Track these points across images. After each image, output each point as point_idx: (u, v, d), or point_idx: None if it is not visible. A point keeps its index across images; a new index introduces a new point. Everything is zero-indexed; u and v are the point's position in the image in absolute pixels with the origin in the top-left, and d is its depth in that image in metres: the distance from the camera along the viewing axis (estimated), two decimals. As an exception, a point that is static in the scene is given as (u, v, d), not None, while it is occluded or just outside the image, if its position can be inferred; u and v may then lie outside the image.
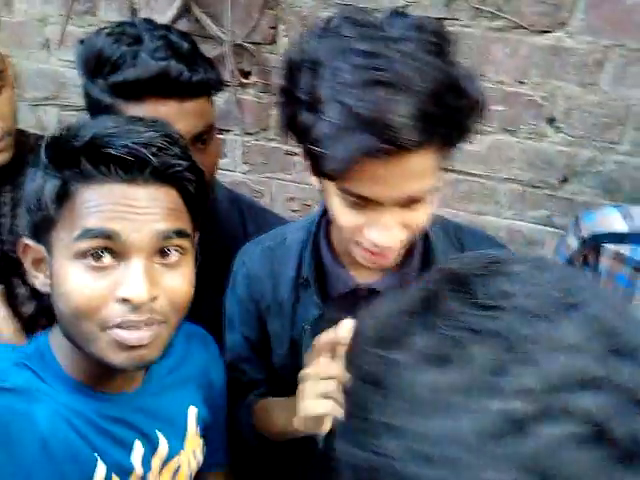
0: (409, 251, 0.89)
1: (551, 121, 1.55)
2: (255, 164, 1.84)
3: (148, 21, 1.00)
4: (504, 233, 1.68)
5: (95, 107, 0.96)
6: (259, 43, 1.67)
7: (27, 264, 0.71)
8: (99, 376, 0.73)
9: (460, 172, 1.67)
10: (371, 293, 0.90)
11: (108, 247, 0.64)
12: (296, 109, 0.73)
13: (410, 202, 0.74)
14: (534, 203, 1.65)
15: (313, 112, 0.70)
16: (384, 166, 0.69)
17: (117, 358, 0.67)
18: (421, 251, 0.91)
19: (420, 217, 0.77)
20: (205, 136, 0.99)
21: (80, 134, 0.65)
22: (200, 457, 0.89)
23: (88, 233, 0.64)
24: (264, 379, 1.04)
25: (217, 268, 1.10)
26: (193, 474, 0.88)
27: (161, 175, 0.67)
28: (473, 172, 1.66)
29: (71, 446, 0.69)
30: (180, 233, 0.69)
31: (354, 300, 0.91)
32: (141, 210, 0.65)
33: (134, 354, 0.67)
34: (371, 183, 0.71)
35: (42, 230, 0.67)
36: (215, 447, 0.98)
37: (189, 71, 0.92)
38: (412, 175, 0.71)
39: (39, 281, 0.71)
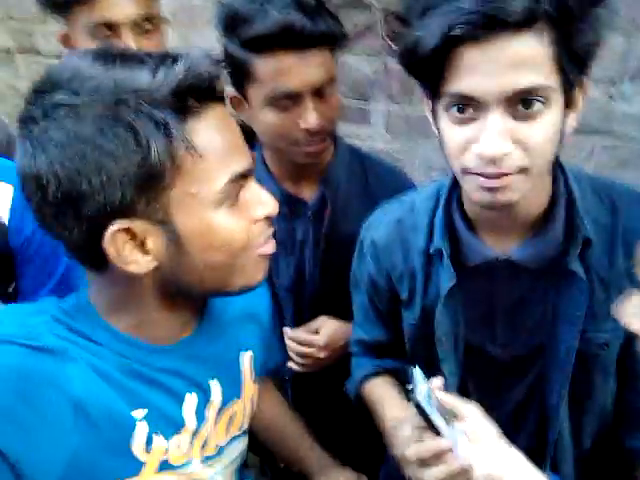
0: (549, 214, 0.82)
1: None
2: (397, 133, 1.88)
3: None
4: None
5: (231, 63, 1.03)
6: (411, 12, 1.72)
7: (116, 252, 0.62)
8: (153, 327, 0.71)
9: (617, 136, 1.58)
10: (508, 264, 0.85)
11: None
12: (401, 35, 0.73)
13: (519, 104, 0.68)
14: (701, 173, 1.52)
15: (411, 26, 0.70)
16: (482, 50, 0.65)
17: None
18: (564, 215, 0.82)
19: (535, 134, 0.69)
20: (326, 88, 1.04)
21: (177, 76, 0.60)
22: (255, 403, 0.88)
23: (236, 177, 0.65)
24: (389, 342, 1.04)
25: (340, 218, 1.15)
26: (249, 420, 0.87)
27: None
28: (632, 136, 1.56)
29: (108, 405, 0.66)
30: None
31: (489, 271, 0.87)
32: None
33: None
34: (470, 74, 0.67)
35: (146, 199, 0.60)
36: (269, 358, 0.97)
37: (311, 23, 0.98)
38: (515, 62, 0.65)
39: (138, 265, 0.63)
